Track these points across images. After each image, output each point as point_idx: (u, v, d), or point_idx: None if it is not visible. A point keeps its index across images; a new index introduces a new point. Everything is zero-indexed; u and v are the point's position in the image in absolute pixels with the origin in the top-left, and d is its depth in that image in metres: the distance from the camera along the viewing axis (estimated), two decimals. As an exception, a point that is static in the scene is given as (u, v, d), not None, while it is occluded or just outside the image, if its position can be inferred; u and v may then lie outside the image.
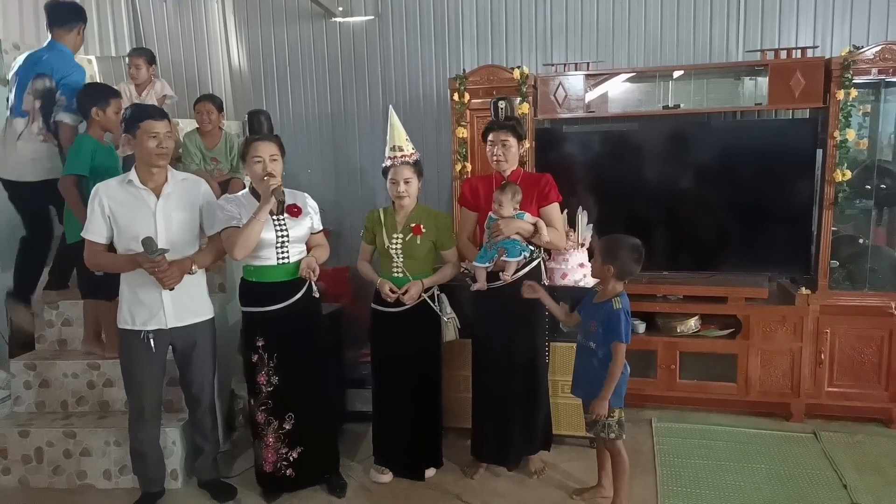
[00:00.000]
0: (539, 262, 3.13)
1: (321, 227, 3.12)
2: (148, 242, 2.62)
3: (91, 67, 5.30)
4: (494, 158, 3.09)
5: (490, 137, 3.10)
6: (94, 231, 2.77)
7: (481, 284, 3.07)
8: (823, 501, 2.95)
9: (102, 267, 2.90)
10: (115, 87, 4.11)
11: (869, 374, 3.67)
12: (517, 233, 3.00)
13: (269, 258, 2.91)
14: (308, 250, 3.05)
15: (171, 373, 3.13)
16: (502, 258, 3.00)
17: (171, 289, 2.76)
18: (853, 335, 3.67)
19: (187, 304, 2.88)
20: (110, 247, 2.83)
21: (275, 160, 2.88)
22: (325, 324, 3.21)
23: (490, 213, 3.07)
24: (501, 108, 3.11)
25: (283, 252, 2.92)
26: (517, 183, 3.06)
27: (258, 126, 2.93)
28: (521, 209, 3.03)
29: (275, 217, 2.89)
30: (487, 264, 3.05)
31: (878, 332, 3.63)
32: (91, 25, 5.26)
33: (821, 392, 3.73)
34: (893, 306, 3.56)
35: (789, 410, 3.77)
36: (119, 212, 2.75)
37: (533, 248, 3.08)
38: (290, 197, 2.98)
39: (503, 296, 3.06)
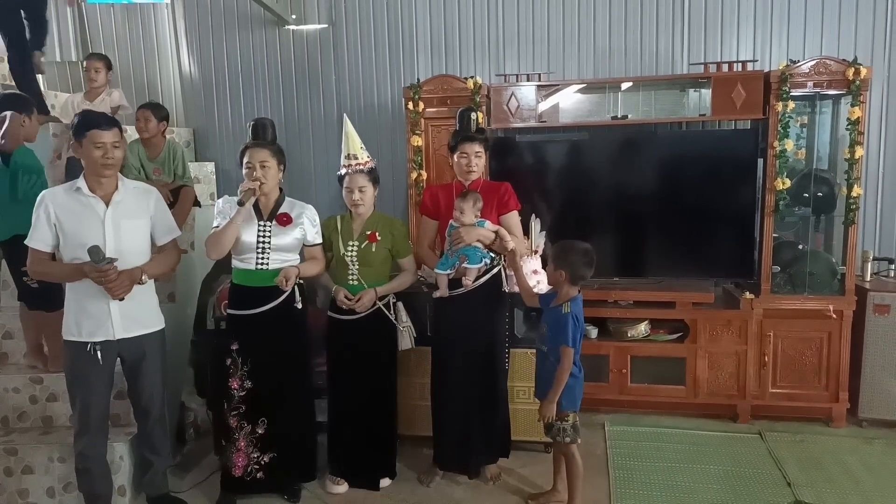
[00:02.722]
0: (500, 269, 3.16)
1: (318, 241, 3.11)
2: (94, 251, 2.55)
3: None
4: (467, 169, 3.11)
5: (462, 149, 3.11)
6: (39, 239, 2.68)
7: (443, 291, 3.09)
8: (769, 499, 3.05)
9: (47, 276, 2.81)
10: (63, 97, 4.04)
11: (810, 374, 3.81)
12: (478, 240, 3.03)
13: (249, 262, 2.94)
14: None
15: (119, 385, 3.05)
16: (464, 265, 3.03)
17: (121, 299, 2.69)
18: (795, 337, 3.80)
19: (136, 315, 2.81)
20: (55, 256, 2.75)
21: (265, 167, 2.90)
22: (305, 334, 3.15)
23: (451, 221, 3.09)
24: (473, 120, 3.15)
25: (262, 258, 2.93)
26: (477, 191, 3.10)
27: (261, 132, 2.98)
28: (481, 217, 3.06)
29: (261, 222, 2.93)
30: (449, 271, 3.07)
31: (818, 334, 3.77)
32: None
33: (765, 393, 3.85)
34: (832, 309, 3.71)
35: (736, 411, 3.88)
36: (66, 219, 2.67)
37: (493, 256, 3.11)
38: (288, 206, 3.02)
39: (464, 303, 3.08)
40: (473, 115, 3.16)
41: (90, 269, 2.59)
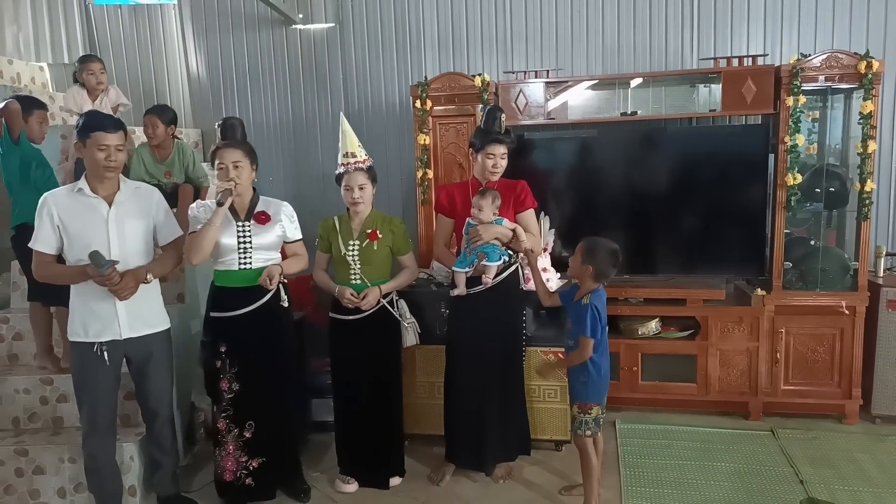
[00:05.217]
0: (517, 266, 3.16)
1: (298, 237, 3.10)
2: (96, 256, 2.56)
3: (43, 74, 5.19)
4: (492, 170, 3.09)
5: (488, 150, 3.07)
6: (43, 242, 2.69)
7: (461, 290, 3.07)
8: (781, 496, 3.02)
9: (51, 279, 2.79)
10: (70, 91, 4.01)
11: (822, 371, 3.78)
12: (496, 238, 3.01)
13: (231, 263, 2.91)
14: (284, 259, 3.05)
15: (128, 386, 3.05)
16: (483, 263, 3.01)
17: (126, 299, 2.70)
18: (806, 334, 3.77)
19: (142, 315, 2.81)
20: (60, 257, 2.75)
21: (238, 167, 2.87)
22: (291, 333, 3.16)
23: (468, 219, 3.07)
24: (503, 121, 3.12)
25: (245, 258, 2.91)
26: (495, 189, 3.08)
27: (230, 132, 2.93)
28: (498, 215, 3.05)
29: (240, 223, 2.90)
30: (467, 269, 3.06)
31: (830, 331, 3.74)
32: (43, 31, 5.15)
33: (777, 390, 3.82)
34: (844, 305, 3.67)
35: (747, 409, 3.85)
36: (69, 221, 2.67)
37: (511, 253, 3.10)
38: (264, 205, 3.00)
39: (482, 301, 3.07)
40: (503, 116, 3.12)
41: (93, 273, 2.59)
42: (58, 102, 4.62)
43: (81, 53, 4.77)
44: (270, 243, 2.98)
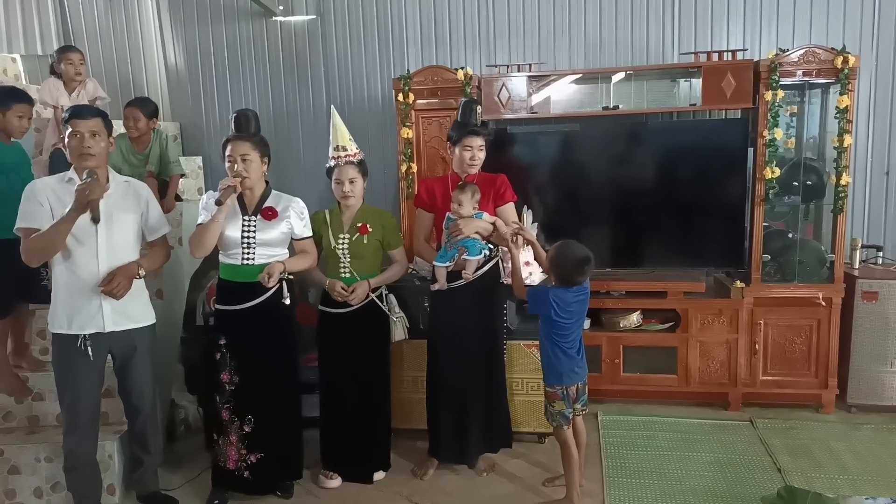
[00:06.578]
0: (497, 260, 3.16)
1: (307, 234, 3.05)
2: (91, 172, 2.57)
3: (15, 66, 5.07)
4: (470, 163, 3.08)
5: (465, 142, 3.06)
6: (32, 218, 2.60)
7: (442, 284, 3.07)
8: (759, 485, 3.06)
9: (41, 247, 2.61)
10: (46, 83, 3.92)
11: (800, 362, 3.84)
12: (476, 232, 3.01)
13: (235, 258, 2.90)
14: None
15: (107, 383, 2.99)
16: (463, 257, 3.01)
17: (121, 297, 2.66)
18: (785, 325, 3.83)
19: (127, 309, 2.77)
20: None
21: (246, 160, 2.84)
22: (294, 330, 3.10)
23: (448, 213, 3.07)
24: (479, 113, 3.11)
25: (248, 253, 2.89)
26: (474, 183, 3.08)
27: (244, 125, 2.92)
28: (478, 209, 3.05)
29: (245, 217, 2.88)
30: (448, 264, 3.05)
31: (808, 322, 3.80)
32: (15, 22, 5.03)
33: (756, 381, 3.88)
34: (821, 297, 3.73)
35: (727, 399, 3.91)
36: (59, 209, 2.63)
37: (491, 247, 3.10)
38: (274, 200, 2.96)
39: (463, 295, 3.07)
40: (479, 108, 3.13)
41: (82, 201, 2.53)
42: (31, 95, 4.51)
43: (56, 44, 4.67)
44: (275, 239, 2.94)
